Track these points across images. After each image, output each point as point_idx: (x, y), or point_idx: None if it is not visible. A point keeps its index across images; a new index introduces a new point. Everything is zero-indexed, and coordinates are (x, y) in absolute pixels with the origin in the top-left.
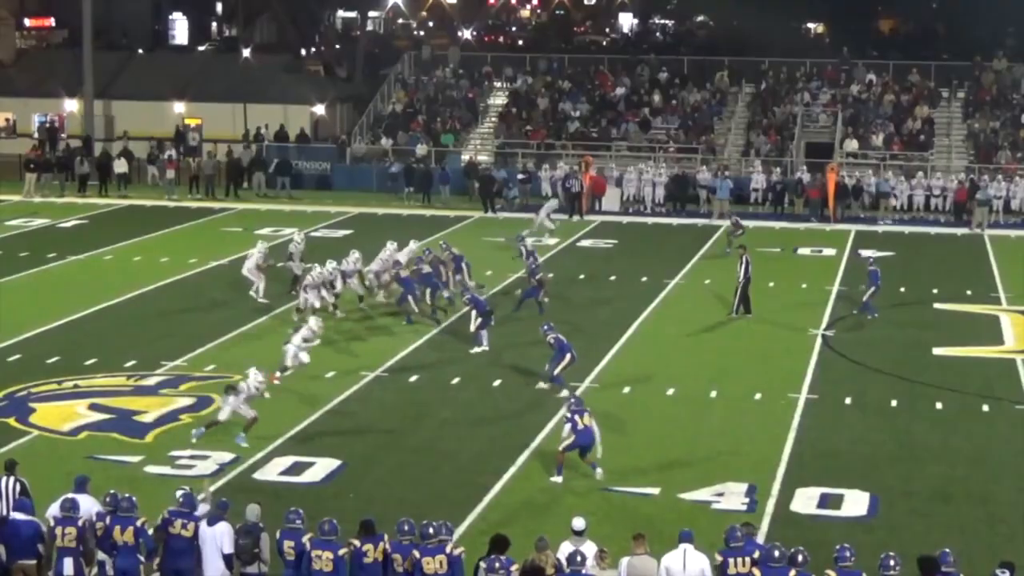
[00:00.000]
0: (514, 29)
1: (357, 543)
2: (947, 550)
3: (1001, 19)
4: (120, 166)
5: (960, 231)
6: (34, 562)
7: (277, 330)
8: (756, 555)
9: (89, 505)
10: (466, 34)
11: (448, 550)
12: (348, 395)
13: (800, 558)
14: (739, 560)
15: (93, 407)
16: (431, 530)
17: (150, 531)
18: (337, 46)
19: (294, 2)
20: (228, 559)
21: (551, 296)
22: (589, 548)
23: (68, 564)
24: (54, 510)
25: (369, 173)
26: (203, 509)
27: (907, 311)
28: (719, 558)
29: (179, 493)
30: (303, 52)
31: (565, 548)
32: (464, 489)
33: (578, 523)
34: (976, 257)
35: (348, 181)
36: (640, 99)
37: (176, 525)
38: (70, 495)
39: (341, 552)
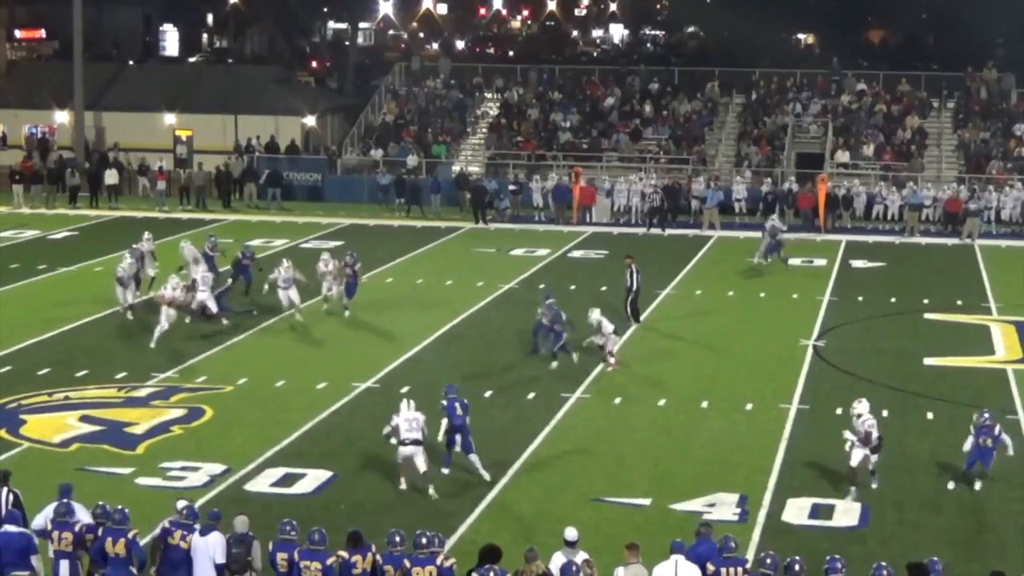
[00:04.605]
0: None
1: (345, 555)
2: (936, 559)
3: (990, 29)
4: (111, 177)
5: (951, 241)
6: (27, 573)
7: (267, 341)
8: (748, 564)
9: (79, 513)
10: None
11: (439, 562)
12: (339, 406)
13: (797, 567)
14: (731, 570)
15: (84, 419)
16: (424, 540)
17: (142, 543)
18: (328, 57)
19: (285, 14)
20: (220, 569)
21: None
22: (581, 559)
23: (64, 567)
24: (40, 521)
25: (360, 184)
26: None
27: (898, 321)
28: (711, 567)
29: (181, 504)
30: (294, 63)
31: (557, 559)
32: (455, 500)
33: (571, 534)
34: (967, 267)
35: (339, 192)
36: (631, 110)
37: (175, 536)
38: (63, 501)
39: (330, 561)
